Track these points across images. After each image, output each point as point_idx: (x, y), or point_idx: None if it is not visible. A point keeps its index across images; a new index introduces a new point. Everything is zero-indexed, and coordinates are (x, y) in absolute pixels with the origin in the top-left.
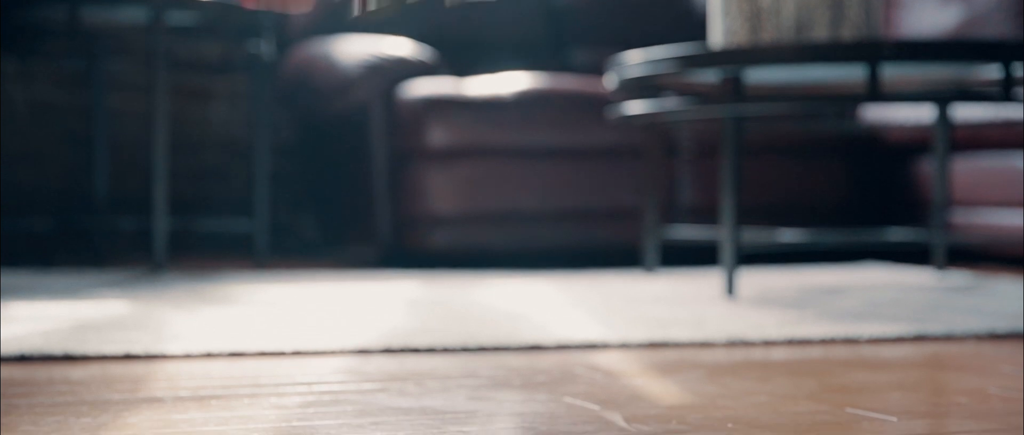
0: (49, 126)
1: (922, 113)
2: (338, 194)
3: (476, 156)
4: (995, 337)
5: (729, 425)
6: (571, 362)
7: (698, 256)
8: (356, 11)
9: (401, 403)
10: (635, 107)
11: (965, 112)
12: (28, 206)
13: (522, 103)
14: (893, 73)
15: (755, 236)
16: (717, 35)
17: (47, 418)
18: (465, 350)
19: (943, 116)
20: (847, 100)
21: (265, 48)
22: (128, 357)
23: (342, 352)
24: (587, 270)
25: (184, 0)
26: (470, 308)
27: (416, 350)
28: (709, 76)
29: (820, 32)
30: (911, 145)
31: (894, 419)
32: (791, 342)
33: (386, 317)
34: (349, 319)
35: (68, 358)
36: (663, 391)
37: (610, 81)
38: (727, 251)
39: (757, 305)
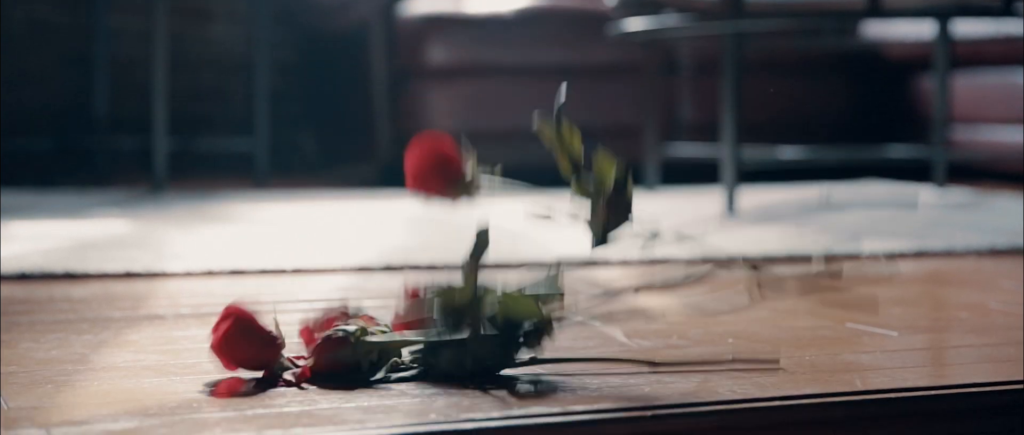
0: (49, 46)
1: (923, 29)
2: (338, 112)
3: (476, 74)
4: (995, 253)
5: (729, 339)
6: (571, 278)
7: (699, 174)
8: None
9: None
10: (635, 24)
11: (966, 28)
12: (28, 126)
13: (522, 20)
14: None
15: (756, 153)
16: None
17: (48, 335)
18: None
19: (944, 32)
20: (847, 16)
21: None
22: (129, 275)
23: (343, 270)
24: None
25: None
26: (470, 226)
27: (417, 267)
28: None
29: None
30: (912, 61)
31: (894, 334)
32: (791, 258)
33: (387, 235)
34: (350, 237)
35: (69, 276)
36: (664, 307)
37: None
38: (728, 168)
39: (758, 222)
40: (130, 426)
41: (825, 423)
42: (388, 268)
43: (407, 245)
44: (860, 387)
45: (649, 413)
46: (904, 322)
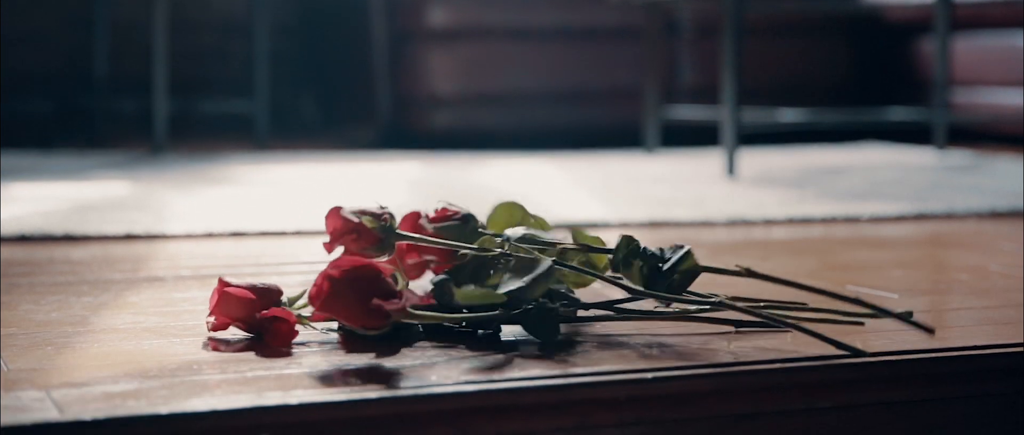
0: (49, 7)
1: None
2: (338, 74)
3: (477, 36)
4: (995, 215)
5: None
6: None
7: (699, 136)
8: None
9: None
10: None
11: None
12: (28, 87)
13: None
14: None
15: (756, 116)
16: None
17: (48, 297)
18: None
19: None
20: None
21: None
22: (129, 237)
23: None
24: (587, 150)
25: None
26: (471, 188)
27: None
28: None
29: None
30: (912, 24)
31: (895, 296)
32: (792, 221)
33: (387, 197)
34: (350, 199)
35: (69, 238)
36: None
37: None
38: (728, 131)
39: (758, 185)
40: (130, 388)
41: (827, 385)
42: None
43: (408, 206)
44: (862, 348)
45: (650, 375)
46: (904, 285)
